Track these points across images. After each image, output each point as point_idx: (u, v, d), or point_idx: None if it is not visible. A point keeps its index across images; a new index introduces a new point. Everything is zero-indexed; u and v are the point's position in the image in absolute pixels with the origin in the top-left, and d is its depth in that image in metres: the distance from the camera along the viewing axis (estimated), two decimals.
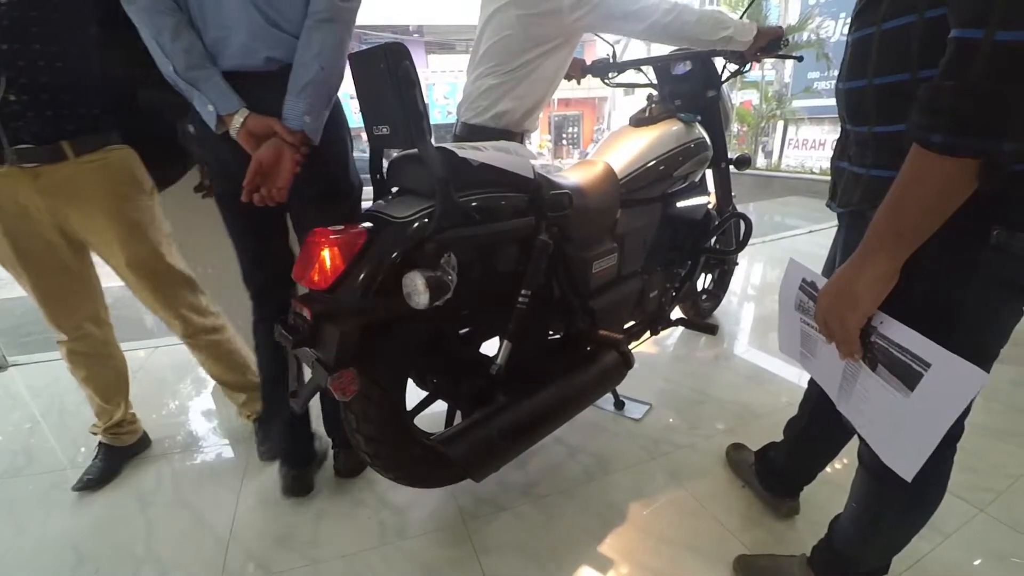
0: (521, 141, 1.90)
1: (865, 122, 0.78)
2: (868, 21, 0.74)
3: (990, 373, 0.80)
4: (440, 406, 1.50)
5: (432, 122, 1.09)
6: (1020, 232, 0.66)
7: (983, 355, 0.77)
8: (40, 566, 1.38)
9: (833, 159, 0.93)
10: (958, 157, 0.61)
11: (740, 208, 2.27)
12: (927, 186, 0.65)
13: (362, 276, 1.03)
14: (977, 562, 1.28)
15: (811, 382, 1.27)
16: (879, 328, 0.77)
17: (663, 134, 1.78)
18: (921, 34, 0.67)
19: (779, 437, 1.41)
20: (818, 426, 1.26)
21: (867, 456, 0.97)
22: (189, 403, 2.19)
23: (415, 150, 1.06)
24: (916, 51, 0.68)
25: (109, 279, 1.59)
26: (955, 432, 0.90)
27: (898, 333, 0.75)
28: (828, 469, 1.37)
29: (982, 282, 0.71)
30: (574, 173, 1.58)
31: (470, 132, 1.88)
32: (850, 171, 0.85)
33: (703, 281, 2.64)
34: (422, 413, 1.42)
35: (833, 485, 1.44)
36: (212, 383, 2.31)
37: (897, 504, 0.97)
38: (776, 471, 1.41)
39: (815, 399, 1.25)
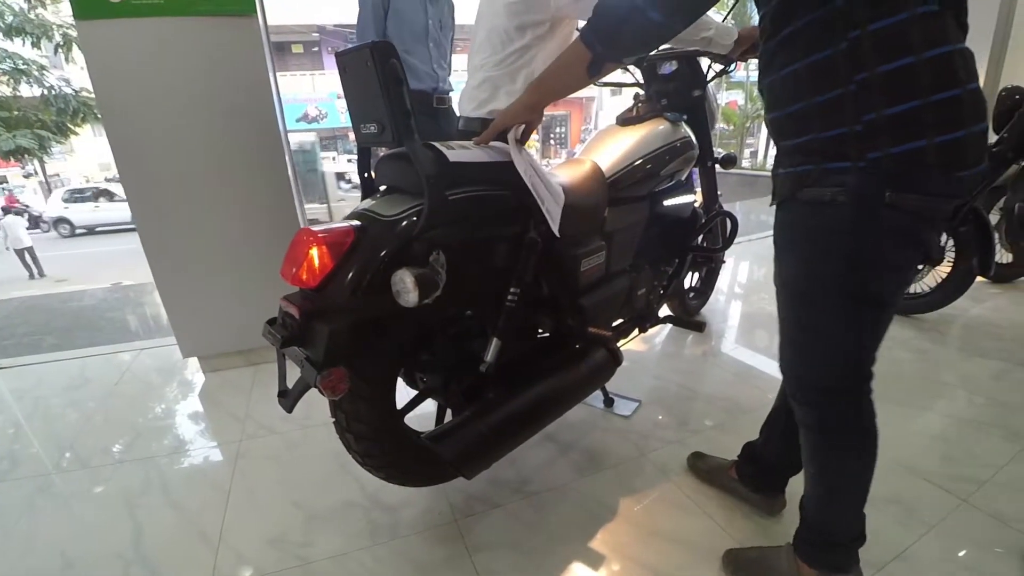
0: None
1: (782, 139, 0.97)
2: (769, 72, 0.94)
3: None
4: (430, 405, 1.50)
5: None
6: (905, 193, 0.83)
7: (890, 295, 0.95)
8: (26, 571, 1.36)
9: (772, 170, 1.06)
10: (584, 46, 1.06)
11: (726, 207, 2.29)
12: (565, 60, 1.13)
13: (351, 274, 1.03)
14: (961, 552, 1.30)
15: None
16: None
17: (650, 133, 1.79)
18: (808, 74, 0.86)
19: None
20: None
21: (803, 416, 1.09)
22: (176, 406, 2.17)
23: (403, 148, 1.06)
24: (808, 87, 0.86)
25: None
26: (867, 372, 1.02)
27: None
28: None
29: (884, 232, 0.87)
30: (562, 171, 1.58)
31: (471, 126, 1.89)
32: (776, 174, 1.01)
33: (690, 279, 2.67)
34: (412, 412, 1.42)
35: None
36: (200, 385, 2.31)
37: (837, 450, 1.07)
38: (766, 469, 1.42)
39: None
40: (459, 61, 2.85)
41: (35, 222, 16.67)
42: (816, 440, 1.09)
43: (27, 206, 18.16)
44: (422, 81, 2.64)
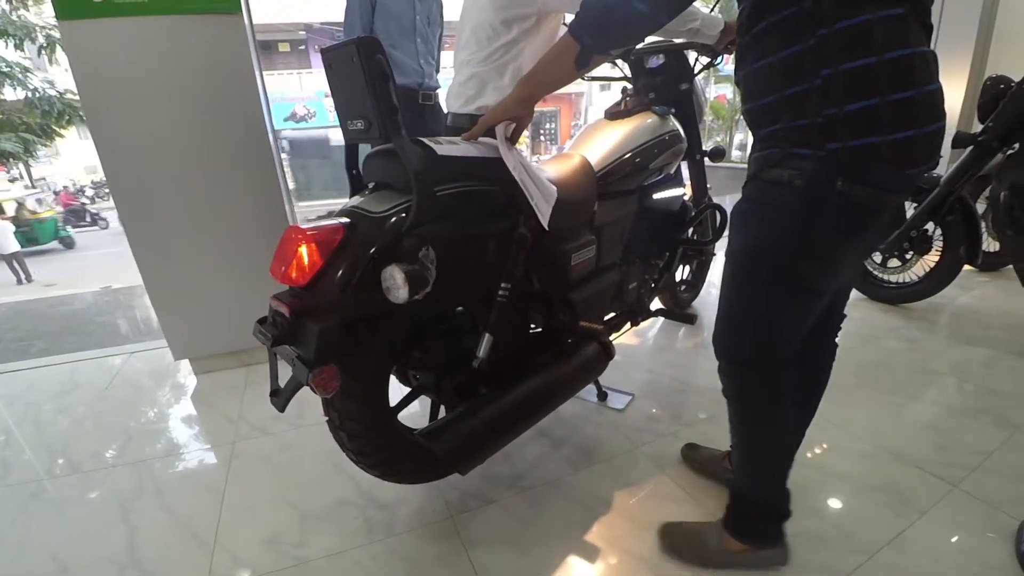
0: None
1: (756, 128, 1.02)
2: (744, 65, 0.98)
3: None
4: (423, 402, 1.50)
5: None
6: (855, 184, 0.87)
7: (821, 281, 1.00)
8: None
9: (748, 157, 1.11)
10: (572, 38, 1.07)
11: (715, 199, 2.30)
12: (554, 53, 1.14)
13: (341, 272, 1.02)
14: (953, 538, 1.31)
15: None
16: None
17: (638, 127, 1.79)
18: (779, 68, 0.89)
19: None
20: None
21: (723, 385, 1.16)
22: (169, 409, 2.15)
23: (390, 144, 1.06)
24: (779, 80, 0.90)
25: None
26: (784, 352, 1.07)
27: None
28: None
29: (830, 217, 0.92)
30: (551, 166, 1.58)
31: (459, 122, 1.88)
32: (749, 160, 1.05)
33: (681, 272, 2.67)
34: (405, 409, 1.42)
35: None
36: (192, 387, 2.30)
37: (751, 421, 1.15)
38: None
39: None
40: (448, 58, 2.84)
41: (93, 220, 16.89)
42: (733, 410, 1.17)
43: (84, 203, 18.26)
44: (408, 77, 2.62)
